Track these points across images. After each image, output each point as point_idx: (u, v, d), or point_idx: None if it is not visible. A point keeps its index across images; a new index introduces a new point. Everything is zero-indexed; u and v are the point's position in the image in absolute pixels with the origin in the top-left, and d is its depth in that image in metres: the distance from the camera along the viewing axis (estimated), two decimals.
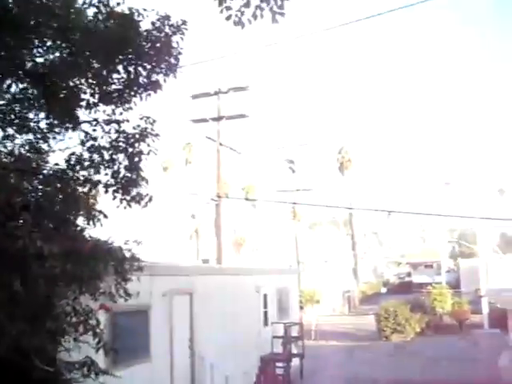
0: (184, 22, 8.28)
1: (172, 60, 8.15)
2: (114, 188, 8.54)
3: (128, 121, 8.19)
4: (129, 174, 8.27)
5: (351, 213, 67.21)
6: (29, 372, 8.23)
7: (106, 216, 9.66)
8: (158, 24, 8.10)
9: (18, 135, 8.14)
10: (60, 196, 8.96)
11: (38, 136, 8.24)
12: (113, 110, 8.15)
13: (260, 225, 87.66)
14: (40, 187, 8.97)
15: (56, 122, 8.02)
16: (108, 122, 8.09)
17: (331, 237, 61.44)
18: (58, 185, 8.90)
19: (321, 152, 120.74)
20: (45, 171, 9.03)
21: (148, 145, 8.30)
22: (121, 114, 8.22)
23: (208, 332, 15.06)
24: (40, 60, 7.71)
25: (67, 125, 8.07)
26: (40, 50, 7.59)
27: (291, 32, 12.09)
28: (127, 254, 10.26)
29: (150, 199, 8.84)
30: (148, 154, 8.39)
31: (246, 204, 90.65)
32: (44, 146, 8.43)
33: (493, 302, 26.57)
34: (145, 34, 7.90)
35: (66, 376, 9.03)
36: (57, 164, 8.87)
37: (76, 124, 8.06)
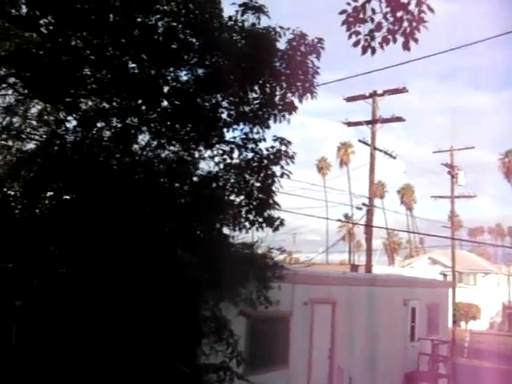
0: (320, 41, 7.97)
1: (308, 80, 7.94)
2: (247, 208, 8.57)
3: (265, 140, 8.18)
4: (262, 196, 8.25)
5: None
6: (167, 372, 8.61)
7: (252, 223, 9.78)
8: (294, 43, 7.88)
9: (167, 146, 8.49)
10: (207, 203, 9.22)
11: (184, 147, 8.50)
12: (250, 129, 8.18)
13: (415, 230, 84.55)
14: (188, 192, 9.28)
15: (199, 136, 8.23)
16: (245, 141, 8.12)
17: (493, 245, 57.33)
18: (206, 191, 9.16)
19: (486, 155, 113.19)
20: (194, 178, 9.34)
21: (282, 167, 8.21)
22: (257, 132, 8.23)
23: (349, 343, 14.73)
24: (185, 78, 7.97)
25: (210, 141, 8.25)
26: (185, 68, 7.84)
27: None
28: (270, 262, 10.38)
29: (282, 223, 8.81)
30: (281, 176, 8.31)
31: (402, 208, 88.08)
32: (188, 158, 8.68)
33: None
34: (280, 53, 7.77)
35: (203, 378, 9.29)
36: (209, 172, 9.11)
37: (218, 141, 8.21)
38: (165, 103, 8.14)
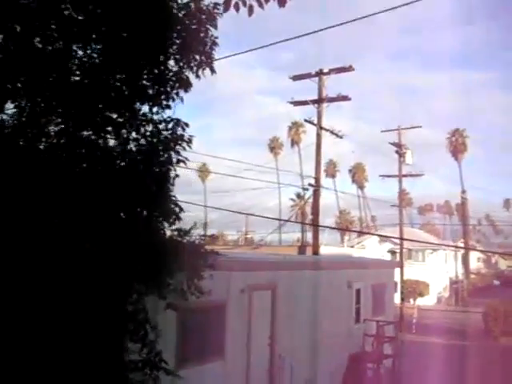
0: (216, 6, 7.21)
1: (205, 52, 7.21)
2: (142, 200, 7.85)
3: (166, 122, 7.47)
4: (155, 187, 7.58)
5: (464, 197, 63.45)
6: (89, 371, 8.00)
7: (181, 209, 9.21)
8: (189, 9, 7.06)
9: (80, 128, 7.69)
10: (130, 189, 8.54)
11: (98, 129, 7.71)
12: (150, 109, 7.45)
13: (366, 208, 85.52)
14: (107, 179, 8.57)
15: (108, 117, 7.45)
16: (144, 123, 7.39)
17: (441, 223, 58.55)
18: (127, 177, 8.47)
19: (433, 134, 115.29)
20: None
21: (178, 152, 7.55)
22: (157, 113, 7.52)
23: (291, 330, 14.38)
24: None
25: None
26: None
27: None
28: (202, 250, 9.82)
29: (178, 217, 8.20)
30: (177, 163, 7.65)
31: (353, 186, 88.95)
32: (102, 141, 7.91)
33: None
34: (178, 21, 7.02)
35: (128, 376, 8.71)
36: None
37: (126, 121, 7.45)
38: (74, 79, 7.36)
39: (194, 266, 9.51)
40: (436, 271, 51.14)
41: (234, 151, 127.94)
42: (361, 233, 69.60)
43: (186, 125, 7.63)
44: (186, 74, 7.45)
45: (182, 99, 7.46)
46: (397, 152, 36.11)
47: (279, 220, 34.09)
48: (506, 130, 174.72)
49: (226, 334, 11.99)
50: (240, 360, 12.44)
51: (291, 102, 25.80)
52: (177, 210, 8.84)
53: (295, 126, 77.72)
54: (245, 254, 17.55)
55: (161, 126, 7.55)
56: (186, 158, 7.87)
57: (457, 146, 69.73)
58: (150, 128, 7.56)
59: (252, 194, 45.52)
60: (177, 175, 8.35)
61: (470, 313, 38.30)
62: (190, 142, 7.82)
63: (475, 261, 72.19)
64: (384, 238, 52.73)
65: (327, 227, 46.73)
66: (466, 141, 70.51)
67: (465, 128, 71.68)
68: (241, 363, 12.47)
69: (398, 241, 40.30)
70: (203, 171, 73.06)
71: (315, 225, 24.30)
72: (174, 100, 7.47)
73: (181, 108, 8.22)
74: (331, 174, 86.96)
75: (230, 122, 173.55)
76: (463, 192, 63.20)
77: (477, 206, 79.67)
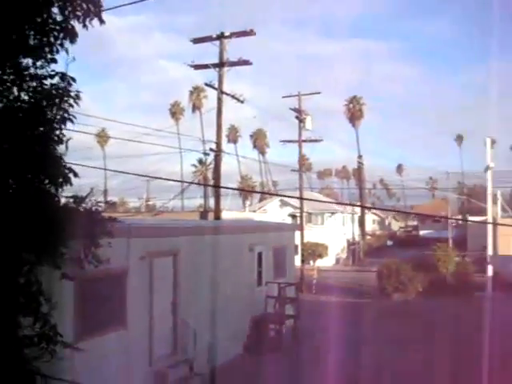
0: None
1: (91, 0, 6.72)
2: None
3: (51, 77, 6.93)
4: (40, 148, 7.05)
5: (361, 162, 65.85)
6: None
7: (76, 174, 8.73)
8: None
9: None
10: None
11: None
12: (33, 63, 6.86)
13: (268, 174, 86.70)
14: None
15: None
16: (26, 78, 6.79)
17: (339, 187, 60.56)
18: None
19: (332, 101, 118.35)
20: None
21: (65, 110, 7.06)
22: (41, 67, 6.93)
23: (194, 295, 14.31)
24: None
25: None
26: None
27: None
28: (99, 216, 9.41)
29: (66, 180, 7.69)
30: (63, 121, 7.15)
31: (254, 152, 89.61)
32: None
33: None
34: None
35: (21, 352, 8.26)
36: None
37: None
38: None
39: (91, 234, 9.13)
40: (334, 233, 53.08)
41: (135, 117, 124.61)
42: (264, 193, 70.50)
43: (73, 79, 7.10)
44: (72, 23, 6.90)
45: (67, 51, 6.91)
46: (297, 118, 36.64)
47: (182, 182, 33.61)
48: (402, 99, 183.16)
49: (128, 303, 11.71)
50: (143, 328, 12.23)
51: (192, 66, 25.18)
52: (71, 176, 8.35)
53: (196, 91, 76.65)
54: (145, 220, 17.16)
55: (46, 83, 6.97)
56: (74, 117, 7.36)
57: (354, 113, 71.87)
58: (34, 84, 6.96)
59: (153, 159, 44.62)
60: (70, 138, 7.84)
61: (366, 272, 40.24)
62: (77, 98, 7.30)
63: (371, 223, 75.70)
64: (284, 203, 53.86)
65: (231, 189, 46.93)
66: (362, 108, 72.83)
67: (362, 96, 74.07)
68: (143, 331, 12.26)
69: (298, 205, 41.22)
70: (102, 136, 70.60)
71: (218, 186, 24.20)
72: (58, 51, 6.87)
73: (78, 72, 7.66)
74: (233, 139, 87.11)
75: (129, 86, 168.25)
76: (359, 157, 65.48)
77: (372, 170, 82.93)
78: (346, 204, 57.74)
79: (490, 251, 26.57)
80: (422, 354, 16.63)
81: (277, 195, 57.81)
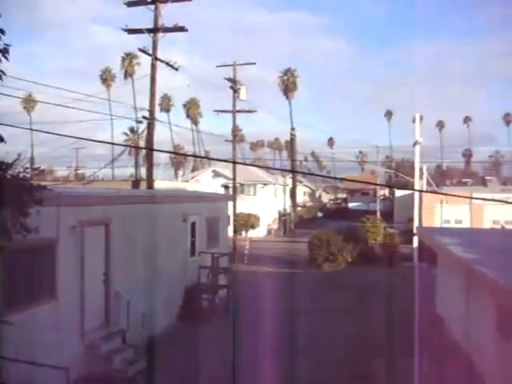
0: None
1: None
2: None
3: None
4: None
5: (293, 134, 66.44)
6: None
7: (2, 139, 8.29)
8: None
9: None
10: None
11: None
12: None
13: (200, 143, 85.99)
14: None
15: None
16: None
17: (271, 159, 60.90)
18: None
19: (267, 73, 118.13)
20: None
21: None
22: None
23: (126, 265, 14.06)
24: None
25: None
26: None
27: None
28: (26, 184, 8.98)
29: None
30: None
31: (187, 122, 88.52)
32: None
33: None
34: None
35: None
36: None
37: None
38: None
39: (18, 202, 8.70)
40: (266, 205, 53.53)
41: (64, 82, 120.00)
42: (201, 157, 70.05)
43: (2, 31, 6.62)
44: None
45: None
46: (231, 88, 36.31)
47: (117, 145, 32.79)
48: (335, 74, 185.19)
49: (58, 274, 11.32)
50: (74, 300, 11.90)
51: (125, 30, 24.29)
52: None
53: (129, 57, 74.59)
54: (76, 189, 16.58)
55: None
56: (3, 72, 6.88)
57: (288, 85, 72.24)
58: None
59: (83, 126, 43.13)
60: None
61: (297, 243, 40.92)
62: (5, 51, 6.83)
63: (302, 195, 76.88)
64: (217, 174, 53.72)
65: (169, 152, 46.26)
66: (296, 80, 73.32)
67: (296, 68, 74.41)
68: (75, 303, 11.93)
69: (230, 175, 41.15)
70: (29, 100, 67.56)
71: (154, 149, 23.74)
72: None
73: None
74: (166, 108, 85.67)
75: (59, 51, 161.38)
76: (292, 129, 66.05)
77: (304, 143, 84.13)
78: (300, 172, 58.20)
79: (416, 223, 27.52)
80: (352, 320, 17.29)
81: (211, 159, 57.43)
